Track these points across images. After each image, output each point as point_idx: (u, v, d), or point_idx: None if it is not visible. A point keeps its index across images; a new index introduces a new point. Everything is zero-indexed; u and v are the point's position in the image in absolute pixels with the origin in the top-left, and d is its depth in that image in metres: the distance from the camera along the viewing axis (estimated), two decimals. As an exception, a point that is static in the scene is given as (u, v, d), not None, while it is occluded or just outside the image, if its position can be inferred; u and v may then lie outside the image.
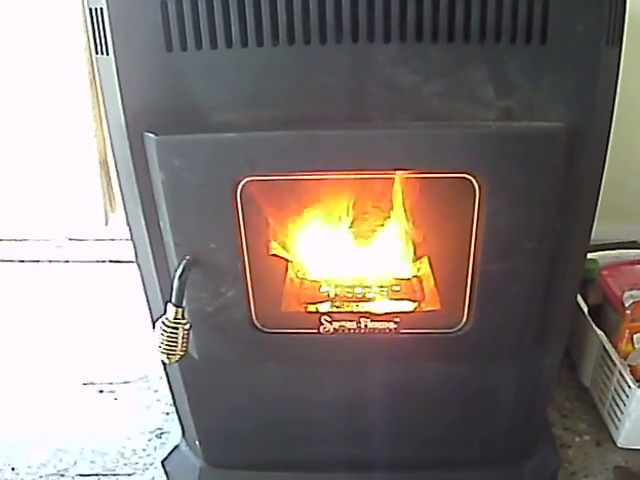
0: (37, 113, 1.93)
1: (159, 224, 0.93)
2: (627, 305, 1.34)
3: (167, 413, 1.43)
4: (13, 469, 1.31)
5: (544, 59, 0.80)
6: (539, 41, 0.79)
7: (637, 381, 1.24)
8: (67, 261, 2.13)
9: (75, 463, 1.32)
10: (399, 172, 0.92)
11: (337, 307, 1.05)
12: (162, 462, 1.26)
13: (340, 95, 0.83)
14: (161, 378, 1.14)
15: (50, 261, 2.13)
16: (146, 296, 1.05)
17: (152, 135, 0.84)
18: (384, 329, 0.98)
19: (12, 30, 1.83)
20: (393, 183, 0.99)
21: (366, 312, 1.01)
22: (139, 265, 1.02)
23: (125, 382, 1.56)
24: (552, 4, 0.77)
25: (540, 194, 0.86)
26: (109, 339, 1.72)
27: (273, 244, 1.05)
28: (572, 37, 0.79)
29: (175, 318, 0.90)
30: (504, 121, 0.83)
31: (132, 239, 1.00)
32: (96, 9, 0.83)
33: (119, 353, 1.66)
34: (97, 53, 0.87)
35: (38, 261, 2.14)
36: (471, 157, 0.84)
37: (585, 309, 1.44)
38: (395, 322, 0.98)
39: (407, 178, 0.91)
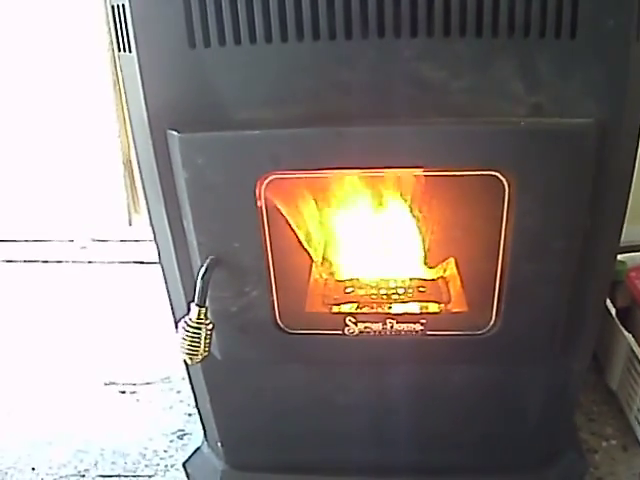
0: (60, 114, 1.95)
1: (182, 223, 0.92)
2: (656, 308, 1.32)
3: (189, 414, 1.43)
4: (33, 469, 1.31)
5: (574, 54, 0.78)
6: (569, 35, 0.77)
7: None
8: (91, 262, 2.14)
9: (96, 464, 1.32)
10: (426, 170, 0.91)
11: (362, 308, 1.03)
12: (183, 464, 1.26)
13: (366, 91, 0.82)
14: (183, 379, 1.14)
15: (74, 262, 2.14)
16: (169, 296, 1.04)
17: (175, 133, 0.84)
18: (410, 331, 0.97)
19: (35, 30, 1.84)
20: (419, 181, 0.97)
21: (392, 313, 1.00)
22: (162, 265, 1.02)
23: (147, 383, 1.56)
24: (582, -2, 0.76)
25: (570, 192, 0.84)
26: (131, 340, 1.72)
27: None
28: (602, 32, 0.77)
29: (198, 318, 0.89)
30: (534, 117, 0.81)
31: (155, 239, 1.00)
32: (118, 6, 0.82)
33: (141, 354, 1.66)
34: (119, 50, 0.87)
35: (61, 262, 2.15)
36: (500, 154, 0.83)
37: (613, 311, 1.41)
38: (421, 324, 0.97)
39: (434, 176, 0.89)
